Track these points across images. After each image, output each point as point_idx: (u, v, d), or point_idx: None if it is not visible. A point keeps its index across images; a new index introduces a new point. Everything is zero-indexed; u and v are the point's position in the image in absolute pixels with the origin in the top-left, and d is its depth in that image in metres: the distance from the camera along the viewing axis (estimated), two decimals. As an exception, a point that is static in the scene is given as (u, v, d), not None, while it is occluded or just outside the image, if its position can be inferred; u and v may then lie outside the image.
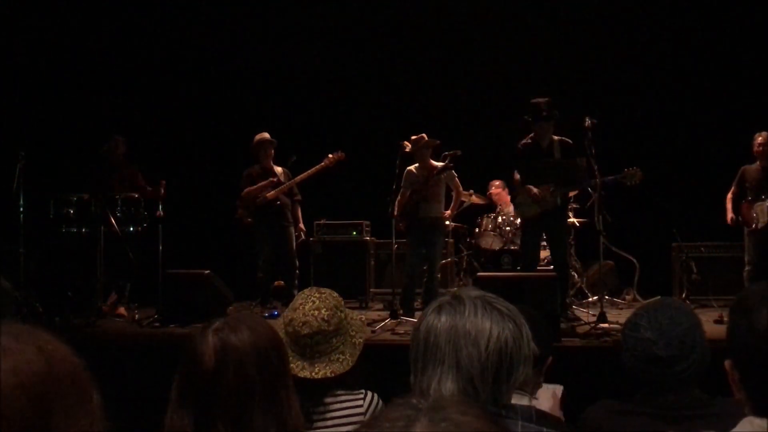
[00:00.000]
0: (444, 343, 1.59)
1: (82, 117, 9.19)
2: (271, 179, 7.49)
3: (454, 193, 7.39)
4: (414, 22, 9.52)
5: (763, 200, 7.14)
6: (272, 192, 7.44)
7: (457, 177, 7.27)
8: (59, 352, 0.99)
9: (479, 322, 1.59)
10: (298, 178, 7.51)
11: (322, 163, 7.41)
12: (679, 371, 2.01)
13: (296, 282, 7.53)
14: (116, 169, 7.61)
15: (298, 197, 7.74)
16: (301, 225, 7.85)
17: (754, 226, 7.19)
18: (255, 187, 7.46)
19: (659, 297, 2.52)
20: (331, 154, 7.43)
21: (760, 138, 7.24)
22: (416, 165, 7.15)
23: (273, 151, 7.57)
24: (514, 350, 1.60)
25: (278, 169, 7.62)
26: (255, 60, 9.70)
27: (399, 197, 7.11)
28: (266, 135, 7.57)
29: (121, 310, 7.36)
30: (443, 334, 1.60)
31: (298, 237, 7.77)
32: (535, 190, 6.61)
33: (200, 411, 1.63)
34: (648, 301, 2.27)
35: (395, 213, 7.06)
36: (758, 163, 7.30)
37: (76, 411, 0.98)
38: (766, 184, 7.20)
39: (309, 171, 7.47)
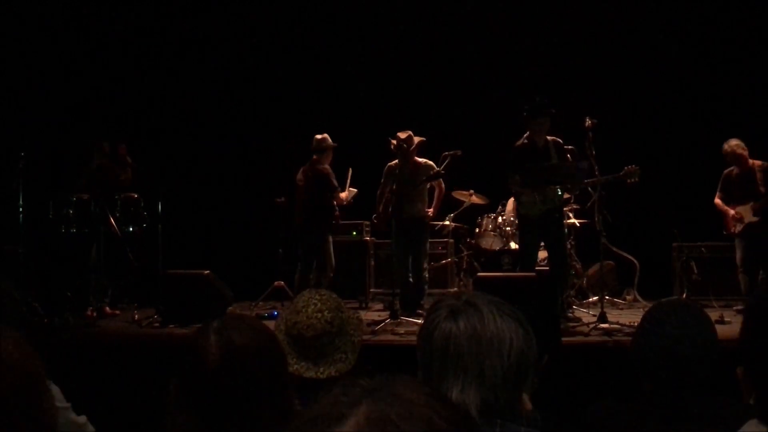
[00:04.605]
0: (466, 351, 1.55)
1: (83, 117, 9.18)
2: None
3: (436, 191, 7.42)
4: (412, 20, 9.52)
5: (744, 203, 7.19)
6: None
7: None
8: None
9: (499, 330, 1.57)
10: None
11: None
12: (697, 372, 1.99)
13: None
14: (102, 171, 7.51)
15: None
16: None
17: (733, 230, 7.23)
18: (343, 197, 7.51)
19: (675, 297, 2.49)
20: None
21: (727, 147, 7.23)
22: (396, 161, 7.15)
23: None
24: (529, 357, 1.58)
25: None
26: (253, 60, 9.70)
27: (379, 191, 7.12)
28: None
29: (107, 309, 7.36)
30: (464, 341, 1.56)
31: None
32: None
33: (206, 412, 1.61)
34: (663, 300, 2.23)
35: (379, 209, 7.13)
36: (735, 168, 7.34)
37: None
38: (746, 186, 7.23)
39: None
